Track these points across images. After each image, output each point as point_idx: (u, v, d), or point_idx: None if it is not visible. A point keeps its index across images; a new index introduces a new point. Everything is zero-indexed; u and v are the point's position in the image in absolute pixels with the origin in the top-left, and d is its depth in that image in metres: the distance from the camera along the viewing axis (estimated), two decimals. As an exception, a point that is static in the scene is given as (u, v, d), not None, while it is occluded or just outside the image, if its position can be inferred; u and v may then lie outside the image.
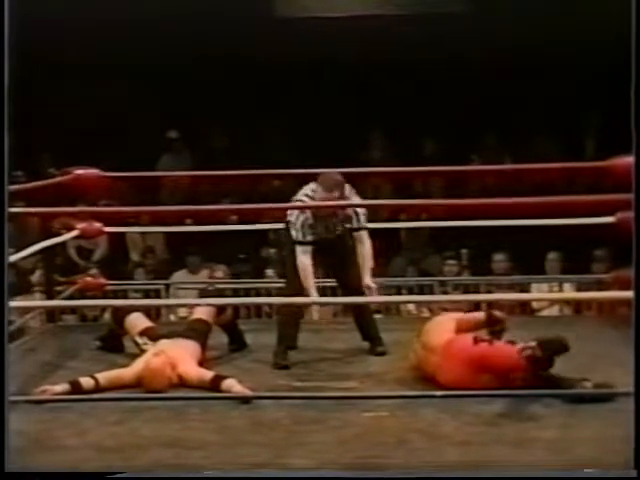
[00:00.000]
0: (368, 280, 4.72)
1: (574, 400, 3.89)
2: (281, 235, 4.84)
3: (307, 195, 4.66)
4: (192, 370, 4.33)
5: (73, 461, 3.38)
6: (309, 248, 4.67)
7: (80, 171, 4.62)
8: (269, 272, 7.37)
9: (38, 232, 5.82)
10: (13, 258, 4.13)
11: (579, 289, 6.33)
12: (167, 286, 6.99)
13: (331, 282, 5.16)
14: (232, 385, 4.13)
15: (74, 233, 5.49)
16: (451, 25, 8.46)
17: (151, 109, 9.31)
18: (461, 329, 4.36)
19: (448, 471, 3.29)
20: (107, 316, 5.99)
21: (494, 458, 3.35)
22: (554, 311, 6.69)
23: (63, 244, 6.78)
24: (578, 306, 6.46)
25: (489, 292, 6.48)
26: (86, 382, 4.19)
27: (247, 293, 6.60)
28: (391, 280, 6.97)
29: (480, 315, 4.58)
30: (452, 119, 9.22)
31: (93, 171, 4.64)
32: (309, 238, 4.67)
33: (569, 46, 8.37)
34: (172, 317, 6.78)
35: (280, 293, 4.73)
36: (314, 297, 4.63)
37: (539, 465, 3.30)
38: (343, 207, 4.67)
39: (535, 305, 6.71)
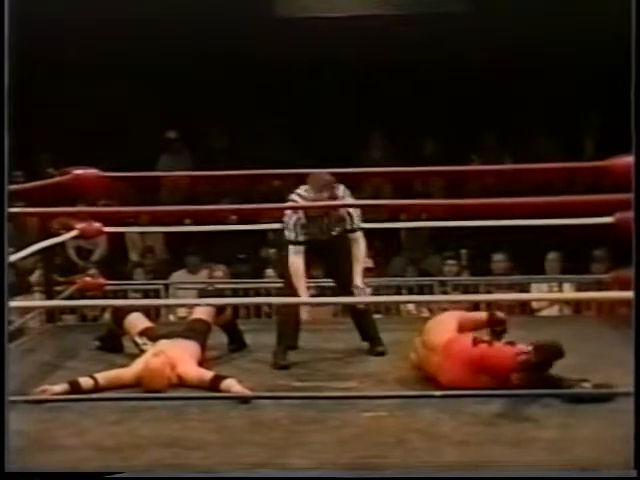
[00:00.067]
0: (358, 281, 4.72)
1: (573, 400, 3.89)
2: (280, 235, 4.84)
3: (300, 195, 4.67)
4: (191, 370, 4.33)
5: (72, 461, 3.38)
6: (301, 248, 4.68)
7: (79, 171, 4.62)
8: (269, 272, 7.37)
9: (37, 232, 5.82)
10: (12, 258, 4.13)
11: (578, 289, 6.33)
12: (166, 286, 6.99)
13: (329, 282, 5.16)
14: (231, 385, 4.13)
15: (73, 233, 5.49)
16: (451, 25, 8.46)
17: (151, 109, 9.31)
18: (463, 328, 4.35)
19: (447, 471, 3.29)
20: (106, 316, 5.99)
21: (493, 458, 3.35)
22: (554, 311, 6.69)
23: (62, 244, 6.77)
24: (578, 306, 6.46)
25: (489, 292, 6.48)
26: (85, 382, 4.19)
27: (246, 293, 6.60)
28: (391, 280, 6.97)
29: (482, 315, 4.58)
30: (452, 119, 9.23)
31: (92, 171, 4.64)
32: (301, 238, 4.68)
33: (569, 46, 8.37)
34: (171, 317, 6.78)
35: (279, 293, 4.73)
36: (304, 297, 4.63)
37: (538, 465, 3.29)
38: (336, 208, 4.67)
39: (535, 305, 6.71)
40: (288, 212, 4.72)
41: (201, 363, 4.48)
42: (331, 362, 4.77)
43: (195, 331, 4.69)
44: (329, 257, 4.86)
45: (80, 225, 5.43)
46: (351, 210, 4.74)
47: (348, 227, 4.76)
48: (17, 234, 6.43)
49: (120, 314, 4.90)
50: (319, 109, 9.55)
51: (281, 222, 4.81)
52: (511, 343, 4.14)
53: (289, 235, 4.70)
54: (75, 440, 3.58)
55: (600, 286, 5.84)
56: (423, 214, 6.67)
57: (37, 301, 6.27)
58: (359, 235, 4.79)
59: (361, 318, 4.92)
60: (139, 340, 4.70)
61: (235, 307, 5.16)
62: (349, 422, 3.73)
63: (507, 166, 7.90)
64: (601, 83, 8.52)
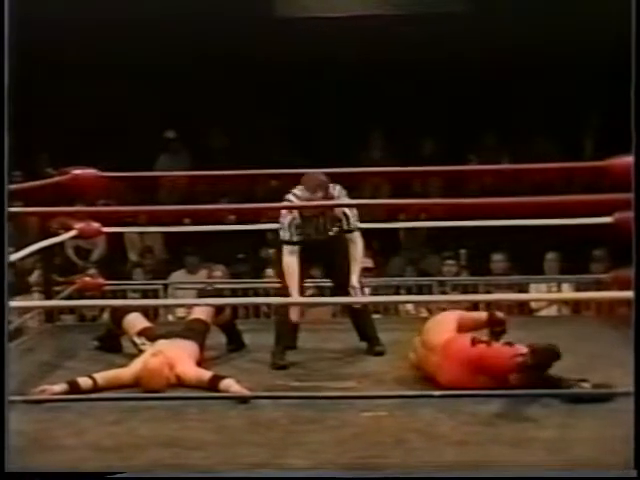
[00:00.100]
0: (354, 281, 4.71)
1: (572, 400, 3.88)
2: (277, 235, 4.85)
3: (295, 195, 4.67)
4: (190, 370, 4.33)
5: (71, 461, 3.37)
6: (296, 248, 4.69)
7: (78, 171, 4.62)
8: (268, 272, 7.37)
9: (36, 232, 5.82)
10: (12, 258, 4.12)
11: (577, 289, 6.33)
12: (165, 286, 6.99)
13: (328, 283, 5.16)
14: (230, 385, 4.13)
15: (72, 233, 5.49)
16: (451, 25, 8.46)
17: (151, 109, 9.31)
18: (462, 328, 4.34)
19: (446, 471, 3.29)
20: (105, 316, 5.99)
21: (493, 458, 3.35)
22: (552, 311, 6.69)
23: (61, 244, 6.77)
24: (576, 306, 6.46)
25: (488, 292, 6.48)
26: (84, 382, 4.19)
27: (245, 293, 6.60)
28: (390, 280, 6.97)
29: (482, 315, 4.57)
30: (452, 119, 9.23)
31: (91, 171, 4.64)
32: (295, 238, 4.69)
33: (569, 46, 8.37)
34: (170, 317, 6.78)
35: (278, 293, 4.73)
36: (296, 297, 4.63)
37: (538, 465, 3.29)
38: (332, 208, 4.67)
39: (533, 305, 6.71)
40: (283, 212, 4.73)
41: (200, 363, 4.47)
42: (330, 362, 4.77)
43: (194, 331, 4.69)
44: (326, 257, 4.86)
45: (79, 225, 5.43)
46: (347, 210, 4.74)
47: (345, 227, 4.75)
48: (16, 234, 6.43)
49: (119, 314, 4.90)
50: (319, 109, 9.55)
51: (279, 222, 4.81)
52: (509, 344, 4.13)
53: (283, 235, 4.71)
54: (74, 440, 3.57)
55: (599, 286, 5.84)
56: (422, 214, 6.67)
57: (36, 301, 6.27)
58: (356, 235, 4.78)
59: (359, 318, 4.92)
60: (138, 340, 4.70)
61: (234, 307, 5.16)
62: (348, 422, 3.72)
63: (506, 166, 7.91)
64: (601, 83, 8.52)
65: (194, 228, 6.55)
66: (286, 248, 4.70)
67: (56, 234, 5.52)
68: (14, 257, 4.29)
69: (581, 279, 6.49)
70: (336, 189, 4.68)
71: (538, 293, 6.73)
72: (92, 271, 7.16)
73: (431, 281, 6.71)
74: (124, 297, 6.57)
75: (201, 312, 4.82)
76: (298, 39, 8.56)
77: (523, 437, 3.52)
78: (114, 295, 6.41)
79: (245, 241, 7.77)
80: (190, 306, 5.38)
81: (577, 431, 3.55)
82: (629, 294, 3.15)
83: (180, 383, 4.28)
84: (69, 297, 5.74)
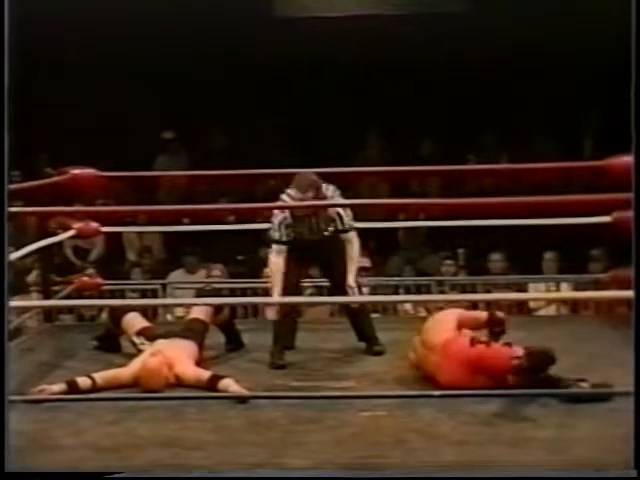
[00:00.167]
0: (351, 281, 4.71)
1: (571, 400, 3.88)
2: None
3: (289, 195, 4.67)
4: (189, 370, 4.33)
5: (70, 461, 3.37)
6: (284, 248, 4.70)
7: (77, 171, 4.63)
8: (266, 272, 7.35)
9: (35, 232, 5.81)
10: (10, 257, 4.12)
11: (576, 289, 6.33)
12: (164, 286, 6.98)
13: (326, 282, 5.16)
14: (229, 385, 4.13)
15: (71, 233, 5.49)
16: (450, 25, 8.45)
17: (150, 109, 9.30)
18: (462, 327, 4.33)
19: (446, 471, 3.29)
20: (104, 316, 5.98)
21: (492, 458, 3.35)
22: (551, 311, 6.68)
23: (60, 244, 6.77)
24: (575, 306, 6.46)
25: (486, 292, 6.48)
26: (83, 382, 4.18)
27: (244, 293, 6.59)
28: (388, 279, 6.97)
29: (482, 314, 4.55)
30: (451, 119, 9.23)
31: (90, 171, 4.65)
32: (285, 238, 4.70)
33: (569, 46, 8.37)
34: (169, 317, 6.78)
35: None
36: (277, 297, 4.63)
37: (537, 465, 3.29)
38: (325, 208, 4.67)
39: (532, 305, 6.71)
40: (275, 212, 4.74)
41: (199, 363, 4.47)
42: (328, 362, 4.76)
43: (193, 331, 4.68)
44: (323, 257, 4.86)
45: (77, 225, 5.43)
46: (341, 210, 4.73)
47: (339, 227, 4.75)
48: (15, 233, 6.42)
49: (118, 314, 4.89)
50: (318, 109, 9.55)
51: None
52: (509, 344, 4.13)
53: (273, 234, 4.72)
54: (73, 440, 3.57)
55: (598, 285, 5.84)
56: (421, 214, 6.66)
57: (34, 301, 6.27)
58: (352, 235, 4.78)
59: (357, 318, 4.91)
60: (137, 340, 4.69)
61: (233, 307, 5.16)
62: (347, 422, 3.72)
63: (505, 166, 7.90)
64: (601, 83, 8.52)
65: (193, 228, 6.55)
66: (274, 247, 4.72)
67: (55, 234, 5.51)
68: (13, 256, 4.28)
69: (580, 279, 6.49)
70: (330, 189, 4.68)
71: (537, 293, 6.72)
72: (90, 271, 7.14)
73: (429, 281, 6.70)
74: (123, 297, 6.56)
75: (200, 312, 4.82)
76: (298, 39, 8.55)
77: (523, 437, 3.52)
78: (113, 295, 6.40)
79: (244, 241, 7.76)
80: (189, 306, 5.37)
81: (577, 431, 3.55)
82: (628, 294, 3.15)
83: (179, 383, 4.27)
84: (68, 297, 5.73)
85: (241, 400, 4.01)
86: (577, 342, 4.87)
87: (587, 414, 3.72)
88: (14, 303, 4.44)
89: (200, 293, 6.32)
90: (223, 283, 7.05)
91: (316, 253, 4.80)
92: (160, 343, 4.54)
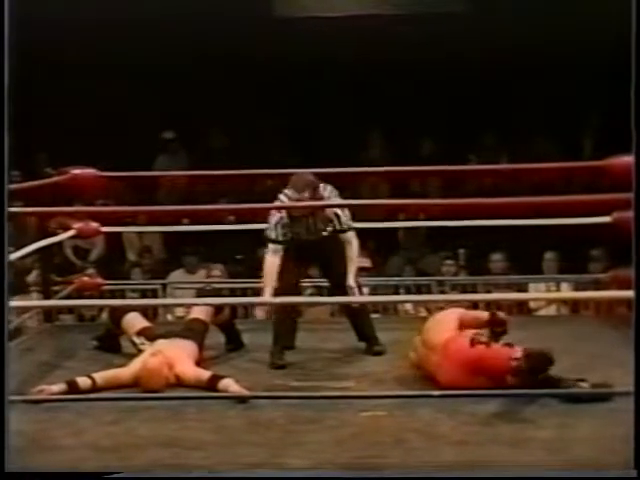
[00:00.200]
0: (351, 281, 4.71)
1: (571, 400, 3.88)
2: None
3: (287, 195, 4.67)
4: (189, 370, 4.33)
5: (70, 461, 3.37)
6: (280, 248, 4.70)
7: (77, 171, 4.62)
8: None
9: (35, 232, 5.81)
10: (10, 258, 4.12)
11: (576, 289, 6.33)
12: (164, 286, 6.98)
13: (325, 282, 5.16)
14: (229, 385, 4.13)
15: (71, 233, 5.48)
16: (450, 25, 8.46)
17: (150, 109, 9.31)
18: (464, 326, 4.33)
19: (445, 471, 3.28)
20: (104, 316, 5.98)
21: (492, 458, 3.35)
22: (551, 311, 6.68)
23: (60, 244, 6.77)
24: (575, 306, 6.46)
25: (487, 292, 6.48)
26: (83, 382, 4.18)
27: (244, 293, 6.59)
28: (388, 280, 6.97)
29: (483, 314, 4.53)
30: (451, 119, 9.23)
31: (90, 171, 4.64)
32: (281, 238, 4.69)
33: (569, 46, 8.37)
34: (169, 317, 6.78)
35: (276, 293, 4.73)
36: (268, 297, 4.62)
37: (537, 465, 3.29)
38: (322, 208, 4.67)
39: (532, 305, 6.71)
40: (273, 211, 4.74)
41: (199, 363, 4.47)
42: (328, 362, 4.76)
43: (193, 331, 4.68)
44: (322, 257, 4.86)
45: (77, 225, 5.43)
46: (338, 211, 4.73)
47: (337, 227, 4.74)
48: (15, 233, 6.42)
49: (118, 314, 4.89)
50: (318, 109, 9.55)
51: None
52: (509, 345, 4.12)
53: (269, 234, 4.73)
54: (73, 440, 3.57)
55: (598, 285, 5.84)
56: (421, 214, 6.66)
57: (35, 301, 6.27)
58: (351, 235, 4.78)
59: (357, 318, 4.91)
60: (137, 340, 4.69)
61: (233, 307, 5.16)
62: (347, 422, 3.72)
63: (505, 166, 7.90)
64: (601, 83, 8.52)
65: (193, 228, 6.55)
66: (270, 247, 4.72)
67: (55, 234, 5.51)
68: (13, 256, 4.28)
69: (580, 279, 6.49)
70: (327, 189, 4.68)
71: (537, 293, 6.72)
72: (91, 271, 7.14)
73: (430, 281, 6.70)
74: (123, 297, 6.56)
75: (200, 312, 4.82)
76: (298, 39, 8.56)
77: (522, 437, 3.52)
78: (113, 295, 6.40)
79: (244, 241, 7.76)
80: (189, 306, 5.37)
81: (576, 431, 3.55)
82: (628, 294, 3.15)
83: (179, 383, 4.27)
84: (68, 297, 5.73)
85: (241, 400, 4.01)
86: (577, 342, 4.87)
87: (587, 414, 3.72)
88: (14, 303, 4.44)
89: (200, 293, 6.32)
90: (223, 283, 7.05)
91: (315, 253, 4.80)
92: (160, 343, 4.54)
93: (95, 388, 4.18)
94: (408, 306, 6.82)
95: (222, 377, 4.19)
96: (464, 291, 6.57)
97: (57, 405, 3.97)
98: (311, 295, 6.18)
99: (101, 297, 6.01)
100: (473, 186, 8.09)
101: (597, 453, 3.32)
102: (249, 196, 7.91)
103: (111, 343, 5.00)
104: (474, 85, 9.16)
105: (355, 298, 4.78)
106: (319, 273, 5.25)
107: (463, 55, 8.72)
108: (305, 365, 4.69)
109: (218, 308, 4.87)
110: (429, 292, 6.47)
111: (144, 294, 6.78)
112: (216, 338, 4.95)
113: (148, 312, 5.55)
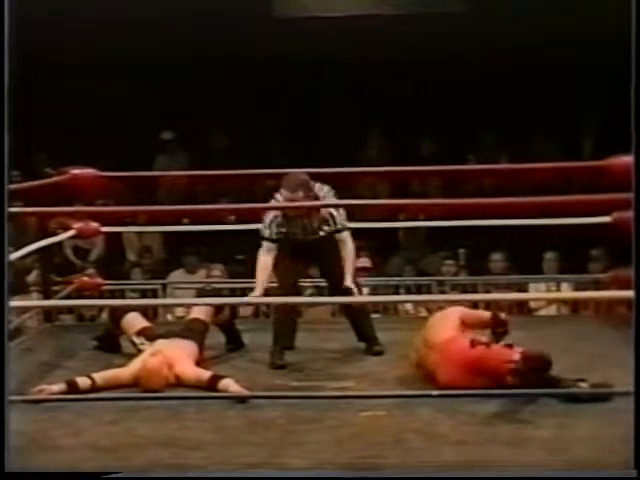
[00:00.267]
0: (349, 282, 4.70)
1: (571, 400, 3.88)
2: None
3: (282, 194, 4.66)
4: (189, 370, 4.33)
5: (69, 461, 3.37)
6: (273, 246, 4.69)
7: (77, 171, 4.62)
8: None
9: (35, 232, 5.81)
10: (10, 258, 4.12)
11: (576, 289, 6.33)
12: (164, 286, 6.98)
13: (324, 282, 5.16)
14: (229, 385, 4.13)
15: (71, 233, 5.48)
16: (450, 25, 8.46)
17: (150, 109, 9.31)
18: (465, 325, 4.32)
19: (445, 471, 3.28)
20: (104, 316, 5.98)
21: (491, 458, 3.34)
22: (551, 311, 6.68)
23: (60, 244, 6.77)
24: (575, 306, 6.46)
25: (487, 292, 6.48)
26: (83, 382, 4.18)
27: (244, 293, 6.58)
28: (389, 280, 6.97)
29: (485, 314, 4.53)
30: (451, 119, 9.23)
31: (90, 171, 4.64)
32: (275, 236, 4.69)
33: (569, 46, 8.37)
34: (169, 317, 6.78)
35: (275, 293, 4.73)
36: (259, 294, 4.62)
37: (537, 465, 3.29)
38: (317, 208, 4.66)
39: (532, 305, 6.71)
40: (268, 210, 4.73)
41: (199, 363, 4.47)
42: (328, 362, 4.76)
43: (193, 331, 4.68)
44: (319, 258, 4.86)
45: (77, 225, 5.42)
46: (333, 211, 4.72)
47: (332, 227, 4.74)
48: (15, 233, 6.42)
49: (118, 314, 4.89)
50: (318, 109, 9.55)
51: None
52: (509, 346, 4.11)
53: (263, 232, 4.72)
54: (72, 440, 3.57)
55: (598, 285, 5.84)
56: (421, 214, 6.66)
57: (34, 301, 6.27)
58: (346, 235, 4.76)
59: (357, 318, 4.91)
60: (137, 340, 4.69)
61: (233, 307, 5.16)
62: (346, 422, 3.72)
63: (505, 166, 7.91)
64: (601, 83, 8.52)
65: (193, 228, 6.55)
66: (264, 245, 4.71)
67: (55, 234, 5.51)
68: (13, 256, 4.28)
69: (580, 279, 6.49)
70: (324, 189, 4.68)
71: (537, 293, 6.72)
72: (90, 271, 7.15)
73: (430, 281, 6.70)
74: (123, 297, 6.56)
75: (200, 312, 4.82)
76: (298, 39, 8.56)
77: (522, 437, 3.51)
78: (113, 295, 6.40)
79: (244, 241, 7.75)
80: (189, 306, 5.37)
81: (576, 431, 3.55)
82: (628, 294, 3.15)
83: (179, 383, 4.27)
84: (68, 297, 5.73)
85: (241, 400, 4.01)
86: (577, 342, 4.87)
87: (587, 414, 3.72)
88: (14, 303, 4.44)
89: (200, 293, 6.32)
90: (223, 283, 7.05)
91: (313, 253, 4.80)
92: (160, 343, 4.54)
93: (95, 388, 4.18)
94: (408, 306, 6.82)
95: (222, 377, 4.19)
96: (464, 291, 6.57)
97: (57, 405, 3.97)
98: (311, 295, 6.18)
99: (101, 297, 6.01)
100: (473, 186, 8.09)
101: (597, 453, 3.32)
102: (249, 196, 7.91)
103: (111, 343, 5.00)
104: (474, 85, 9.16)
105: (355, 298, 4.77)
106: (318, 273, 5.25)
107: (463, 55, 8.72)
108: (305, 365, 4.69)
109: (218, 308, 4.87)
110: (429, 292, 6.47)
111: (144, 294, 6.78)
112: (216, 338, 4.95)
113: (148, 312, 5.55)
